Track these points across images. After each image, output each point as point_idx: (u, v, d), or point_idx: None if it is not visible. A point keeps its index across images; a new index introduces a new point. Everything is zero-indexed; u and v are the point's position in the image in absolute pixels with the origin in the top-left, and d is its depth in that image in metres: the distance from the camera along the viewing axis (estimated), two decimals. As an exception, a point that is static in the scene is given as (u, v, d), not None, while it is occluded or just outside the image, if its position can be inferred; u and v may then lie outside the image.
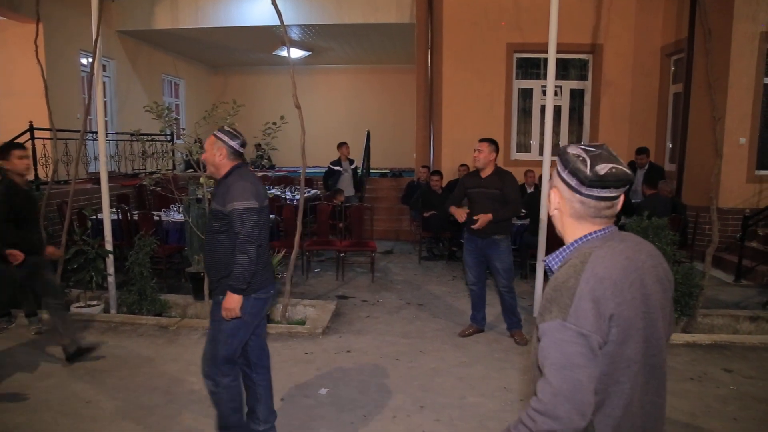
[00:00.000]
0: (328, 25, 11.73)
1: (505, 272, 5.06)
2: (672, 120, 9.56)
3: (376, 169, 13.63)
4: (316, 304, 5.99)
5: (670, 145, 9.66)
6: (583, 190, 1.41)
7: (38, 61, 6.85)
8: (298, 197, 9.37)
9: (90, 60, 10.84)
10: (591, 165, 1.38)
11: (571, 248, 1.47)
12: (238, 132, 3.13)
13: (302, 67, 15.33)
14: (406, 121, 15.14)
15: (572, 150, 1.44)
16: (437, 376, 4.35)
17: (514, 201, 4.98)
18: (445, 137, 10.12)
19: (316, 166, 11.71)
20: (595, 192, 1.40)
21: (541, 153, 8.93)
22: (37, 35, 6.87)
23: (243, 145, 3.13)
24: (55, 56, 9.88)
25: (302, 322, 5.58)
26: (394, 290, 6.86)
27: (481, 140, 5.03)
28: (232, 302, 2.91)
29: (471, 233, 5.01)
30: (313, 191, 9.98)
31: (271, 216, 7.50)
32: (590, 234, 1.45)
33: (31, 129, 8.50)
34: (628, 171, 1.41)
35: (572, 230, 1.49)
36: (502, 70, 9.96)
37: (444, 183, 8.94)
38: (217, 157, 3.05)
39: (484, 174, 5.01)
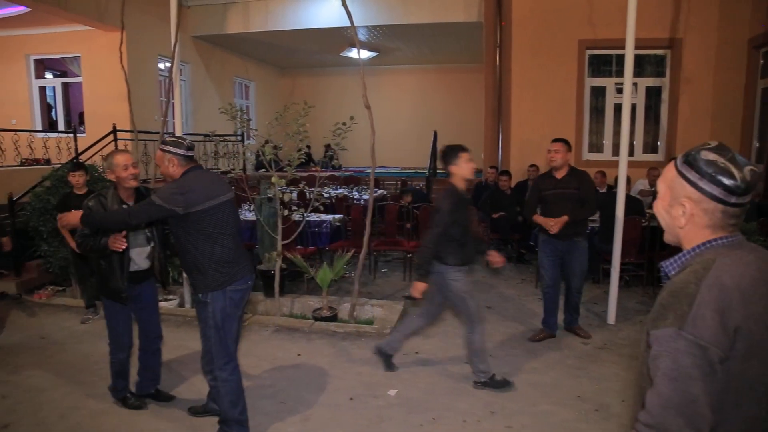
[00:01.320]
0: (395, 25, 11.74)
1: (582, 274, 5.04)
2: (760, 117, 8.99)
3: (443, 169, 13.53)
4: (383, 304, 6.00)
5: (758, 144, 9.09)
6: (733, 199, 1.28)
7: (122, 66, 7.19)
8: (365, 197, 9.44)
9: (167, 65, 11.41)
10: (736, 171, 1.26)
11: (692, 253, 1.35)
12: (181, 138, 3.24)
13: (368, 68, 15.40)
14: (473, 121, 14.97)
15: (704, 156, 1.29)
16: (508, 381, 4.25)
17: (592, 201, 4.89)
18: (514, 137, 9.92)
19: (382, 167, 11.76)
20: (743, 200, 1.28)
21: (614, 154, 8.62)
22: (122, 42, 7.20)
23: (190, 148, 3.22)
24: (136, 62, 10.34)
25: (370, 322, 5.59)
26: (461, 292, 6.77)
27: (556, 140, 4.90)
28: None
29: (550, 234, 4.88)
30: (380, 191, 10.02)
31: (329, 216, 7.63)
32: (714, 240, 1.33)
33: (114, 131, 8.95)
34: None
35: (693, 236, 1.36)
36: (573, 68, 9.66)
37: (513, 184, 8.77)
38: (171, 168, 3.17)
39: (559, 175, 4.89)
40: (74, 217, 3.14)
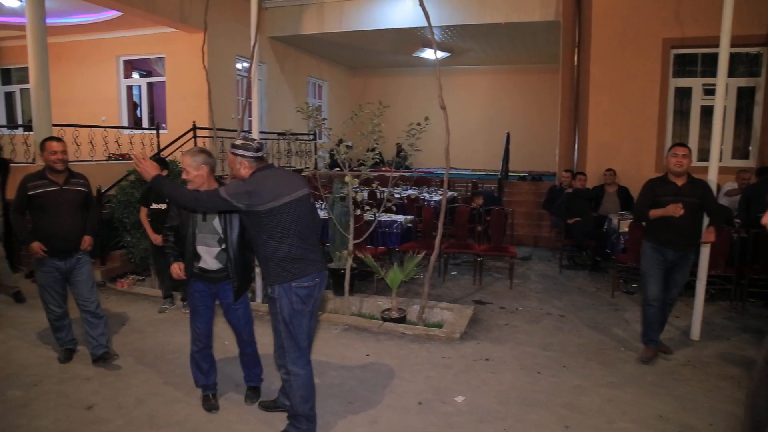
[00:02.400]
0: (470, 25, 11.59)
1: (682, 286, 4.82)
2: None
3: (515, 172, 13.26)
4: (453, 307, 5.92)
5: None
6: None
7: (204, 66, 7.44)
8: (436, 198, 9.37)
9: (244, 65, 11.74)
10: None
11: None
12: (250, 140, 3.26)
13: (441, 69, 15.36)
14: (547, 123, 14.61)
15: None
16: (582, 394, 4.08)
17: (718, 211, 4.76)
18: (591, 140, 9.57)
19: (453, 168, 11.59)
20: None
21: (700, 159, 8.15)
22: (204, 43, 7.45)
23: (259, 149, 3.25)
24: (215, 62, 10.69)
25: (439, 325, 5.53)
26: (533, 299, 6.60)
27: (680, 145, 4.65)
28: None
29: (662, 243, 4.63)
30: (451, 193, 9.91)
31: (400, 217, 7.61)
32: None
33: (194, 128, 9.27)
34: None
35: None
36: (656, 68, 9.20)
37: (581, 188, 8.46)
38: (242, 170, 3.23)
39: (680, 182, 4.62)
40: (152, 168, 3.22)
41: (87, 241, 4.42)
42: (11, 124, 12.43)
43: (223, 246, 3.50)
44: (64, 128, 7.67)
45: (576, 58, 9.52)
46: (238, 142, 3.26)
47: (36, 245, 4.20)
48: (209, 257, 3.52)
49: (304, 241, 3.23)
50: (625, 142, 9.19)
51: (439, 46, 13.67)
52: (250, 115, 10.83)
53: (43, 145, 4.28)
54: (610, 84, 9.37)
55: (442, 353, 4.79)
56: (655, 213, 4.60)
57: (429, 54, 14.15)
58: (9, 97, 13.70)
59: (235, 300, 3.60)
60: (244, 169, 3.23)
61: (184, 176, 3.46)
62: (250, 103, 8.87)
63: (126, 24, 10.83)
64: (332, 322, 5.51)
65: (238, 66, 12.08)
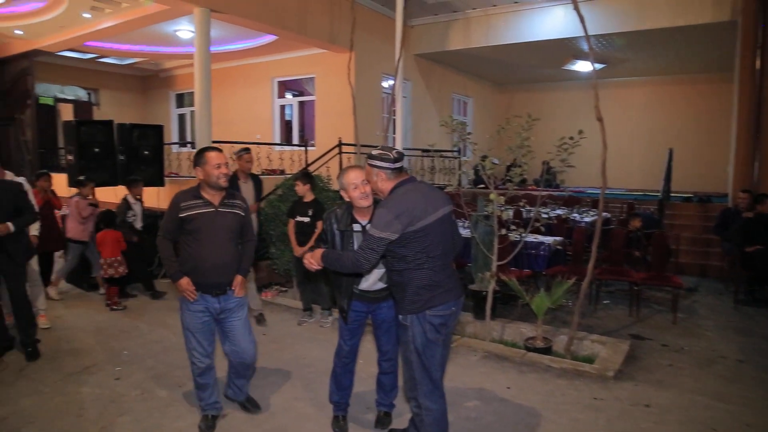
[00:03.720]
0: (628, 32, 10.70)
1: None
2: None
3: (678, 192, 11.93)
4: (606, 341, 5.31)
5: None
6: None
7: (350, 83, 7.56)
8: (587, 219, 8.68)
9: (390, 82, 11.88)
10: None
11: None
12: (387, 149, 3.03)
13: (592, 82, 14.48)
14: (715, 138, 13.16)
15: None
16: (773, 460, 3.38)
17: None
18: (776, 156, 8.33)
19: (607, 188, 10.71)
20: None
21: None
22: (350, 60, 7.58)
23: (397, 159, 3.00)
24: (362, 80, 10.93)
25: (590, 360, 4.97)
26: (703, 337, 5.75)
27: None
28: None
29: None
30: (605, 214, 9.14)
31: (548, 238, 7.09)
32: None
33: (340, 144, 9.49)
34: None
35: None
36: None
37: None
38: (380, 183, 3.02)
39: None
40: (315, 257, 3.05)
41: (239, 282, 3.56)
42: (182, 142, 13.69)
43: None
44: (221, 144, 8.17)
45: (759, 63, 8.36)
46: (375, 152, 3.03)
47: (185, 283, 3.39)
48: (374, 278, 3.36)
49: (444, 265, 2.98)
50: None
51: (594, 57, 12.84)
52: (394, 132, 10.92)
53: (201, 156, 3.41)
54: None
55: (592, 393, 4.26)
56: None
57: (581, 66, 13.37)
58: (182, 118, 15.17)
59: (400, 312, 3.17)
60: (382, 182, 3.01)
61: (352, 194, 3.18)
62: (393, 120, 8.91)
63: (280, 47, 11.48)
64: (471, 348, 5.18)
65: (384, 84, 12.26)
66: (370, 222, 3.11)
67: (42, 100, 12.25)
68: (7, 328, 4.90)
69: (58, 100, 12.88)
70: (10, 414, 3.80)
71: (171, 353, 4.97)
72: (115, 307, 6.27)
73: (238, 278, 3.54)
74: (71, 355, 4.91)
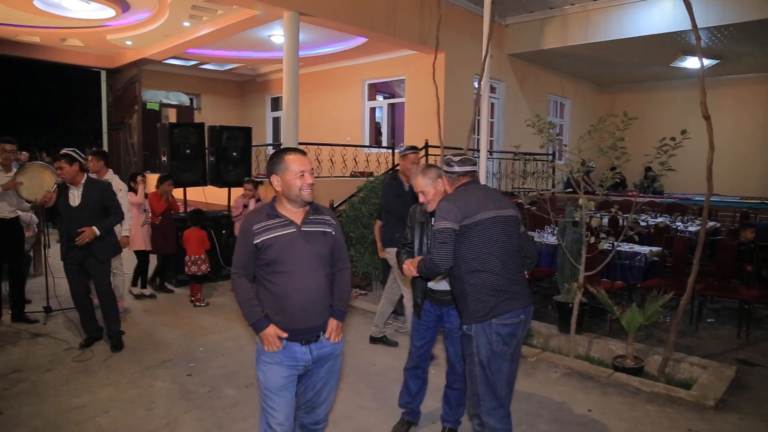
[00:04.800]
0: (748, 23, 9.65)
1: None
2: None
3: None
4: (707, 364, 4.75)
5: None
6: None
7: (434, 83, 7.38)
8: (691, 229, 7.95)
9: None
10: None
11: None
12: (455, 155, 3.05)
13: (704, 80, 13.32)
14: None
15: None
16: None
17: None
18: None
19: (716, 195, 9.77)
20: None
21: None
22: (435, 58, 7.40)
23: (463, 162, 3.00)
24: (453, 81, 10.70)
25: (687, 385, 4.46)
26: (828, 366, 5.03)
27: None
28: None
29: None
30: (712, 223, 8.32)
31: (645, 248, 6.51)
32: None
33: (426, 146, 9.33)
34: None
35: None
36: None
37: None
38: (446, 186, 3.08)
39: None
40: (414, 264, 2.98)
41: (334, 328, 2.68)
42: (276, 143, 14.08)
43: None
44: (308, 146, 8.26)
45: None
46: (444, 158, 3.09)
47: (273, 333, 2.54)
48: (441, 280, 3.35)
49: (506, 269, 2.77)
50: None
51: (705, 53, 11.80)
52: (477, 133, 10.60)
53: (279, 161, 2.59)
54: None
55: (688, 423, 3.80)
56: None
57: (691, 63, 12.32)
58: (276, 121, 15.63)
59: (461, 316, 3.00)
60: (446, 185, 3.09)
61: (421, 199, 3.25)
62: (479, 121, 8.60)
63: (370, 50, 11.48)
64: (552, 364, 4.82)
65: (477, 85, 11.94)
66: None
67: (149, 106, 13.03)
68: (97, 321, 5.15)
69: (163, 105, 13.66)
70: (88, 402, 3.94)
71: (244, 352, 5.01)
72: (198, 304, 6.46)
73: (332, 323, 2.67)
74: (151, 348, 5.07)
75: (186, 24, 9.61)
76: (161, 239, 6.80)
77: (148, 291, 6.90)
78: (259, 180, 7.33)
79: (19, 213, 5.67)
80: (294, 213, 2.62)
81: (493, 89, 12.04)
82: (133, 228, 6.33)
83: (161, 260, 7.14)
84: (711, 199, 4.72)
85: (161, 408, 3.88)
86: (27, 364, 4.60)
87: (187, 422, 3.68)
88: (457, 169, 2.99)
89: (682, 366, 4.78)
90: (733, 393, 4.30)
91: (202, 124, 7.95)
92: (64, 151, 4.92)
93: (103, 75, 13.36)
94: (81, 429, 3.57)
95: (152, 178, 7.28)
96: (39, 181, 5.46)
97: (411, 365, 3.55)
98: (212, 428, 3.61)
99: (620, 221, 7.64)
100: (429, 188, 3.18)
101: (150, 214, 6.74)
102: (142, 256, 6.74)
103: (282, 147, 3.31)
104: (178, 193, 7.89)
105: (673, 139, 4.52)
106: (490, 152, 11.14)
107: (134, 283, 6.87)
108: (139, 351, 4.98)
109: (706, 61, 12.12)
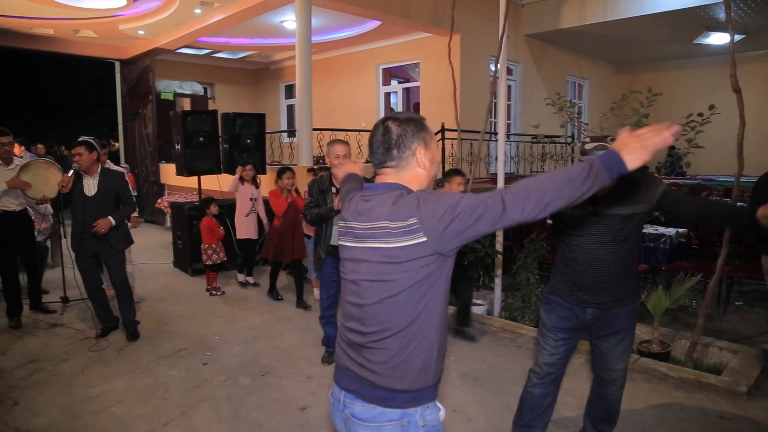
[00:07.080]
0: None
1: None
2: None
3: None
4: (738, 349, 4.58)
5: None
6: None
7: (450, 65, 7.21)
8: (717, 209, 7.72)
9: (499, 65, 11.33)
10: None
11: None
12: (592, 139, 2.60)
13: (727, 57, 12.94)
14: None
15: None
16: None
17: None
18: None
19: (744, 176, 9.46)
20: None
21: None
22: (450, 39, 7.22)
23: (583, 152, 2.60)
24: (468, 63, 10.50)
25: (717, 371, 4.30)
26: None
27: None
28: None
29: None
30: (740, 204, 8.06)
31: (670, 230, 6.32)
32: None
33: (443, 130, 9.16)
34: None
35: None
36: None
37: None
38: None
39: None
40: None
41: None
42: (291, 129, 13.99)
43: None
44: (322, 132, 8.15)
45: None
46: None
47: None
48: None
49: None
50: None
51: (732, 27, 11.42)
52: (495, 116, 10.42)
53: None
54: None
55: (719, 410, 3.65)
56: None
57: (715, 39, 11.96)
58: (290, 109, 15.51)
59: None
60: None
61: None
62: (495, 103, 8.42)
63: (384, 33, 11.30)
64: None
65: (493, 67, 11.71)
66: None
67: (163, 96, 12.97)
68: (111, 311, 5.12)
69: (177, 95, 13.61)
70: (104, 392, 3.91)
71: (259, 341, 4.95)
72: (213, 293, 6.41)
73: None
74: (167, 337, 5.04)
75: (197, 11, 9.51)
76: (280, 244, 5.94)
77: (252, 279, 6.92)
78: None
79: (26, 205, 5.56)
80: None
81: (509, 71, 11.79)
82: (238, 217, 6.55)
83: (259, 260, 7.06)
84: (740, 180, 4.54)
85: (176, 397, 3.83)
86: (44, 354, 4.60)
87: (202, 411, 3.63)
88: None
89: (711, 350, 4.62)
90: (766, 379, 4.13)
91: (215, 112, 7.86)
92: (82, 138, 4.84)
93: (117, 66, 13.34)
94: (96, 419, 3.54)
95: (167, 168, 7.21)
96: (43, 178, 5.28)
97: (324, 315, 4.31)
98: (228, 417, 3.55)
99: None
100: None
101: (258, 203, 6.67)
102: (249, 245, 6.72)
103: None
104: (191, 181, 7.82)
105: (700, 114, 4.34)
106: (508, 135, 10.93)
107: (240, 270, 6.91)
108: (154, 340, 4.95)
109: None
